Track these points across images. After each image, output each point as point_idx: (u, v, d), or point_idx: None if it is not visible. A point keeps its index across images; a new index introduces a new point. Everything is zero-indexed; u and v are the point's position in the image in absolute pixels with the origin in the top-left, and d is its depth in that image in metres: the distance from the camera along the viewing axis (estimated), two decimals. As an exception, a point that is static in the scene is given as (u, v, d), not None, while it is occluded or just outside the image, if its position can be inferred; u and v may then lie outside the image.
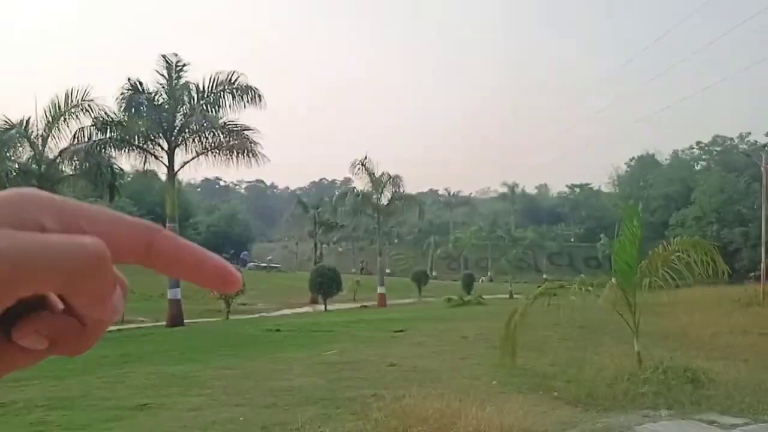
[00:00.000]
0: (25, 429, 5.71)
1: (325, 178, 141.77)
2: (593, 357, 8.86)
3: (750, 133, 76.26)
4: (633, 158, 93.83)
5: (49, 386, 8.10)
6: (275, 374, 8.36)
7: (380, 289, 34.09)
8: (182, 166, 22.84)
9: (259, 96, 22.16)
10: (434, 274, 70.20)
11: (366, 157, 33.42)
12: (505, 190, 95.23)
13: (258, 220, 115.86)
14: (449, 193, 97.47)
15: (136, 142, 22.09)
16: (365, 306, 32.38)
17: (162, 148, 22.36)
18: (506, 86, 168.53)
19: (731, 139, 79.45)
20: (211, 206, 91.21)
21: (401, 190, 34.82)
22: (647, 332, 12.69)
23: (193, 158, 22.64)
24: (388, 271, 75.23)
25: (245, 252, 73.64)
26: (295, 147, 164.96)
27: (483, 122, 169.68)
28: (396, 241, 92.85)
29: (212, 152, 22.53)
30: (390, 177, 33.91)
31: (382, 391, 6.64)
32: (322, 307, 29.87)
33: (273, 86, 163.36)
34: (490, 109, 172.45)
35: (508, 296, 39.45)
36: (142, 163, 22.96)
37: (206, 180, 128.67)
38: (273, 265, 67.14)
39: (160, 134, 22.04)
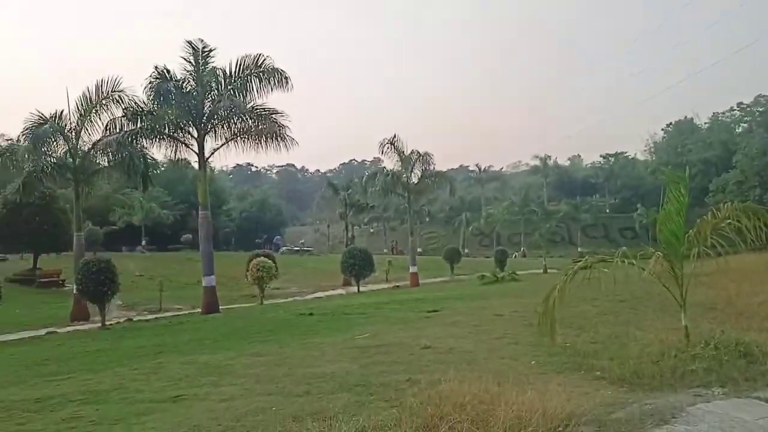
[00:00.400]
0: (58, 425, 5.69)
1: (354, 159, 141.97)
2: (636, 332, 8.49)
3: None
4: (670, 123, 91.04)
5: (83, 380, 8.16)
6: (308, 360, 8.24)
7: (412, 269, 33.92)
8: (212, 153, 22.96)
9: (286, 78, 22.05)
10: (466, 251, 69.79)
11: (395, 136, 33.14)
12: (536, 163, 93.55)
13: (290, 204, 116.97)
14: (480, 169, 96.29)
15: (167, 131, 22.24)
16: (398, 286, 32.28)
17: (192, 136, 22.50)
18: (536, 55, 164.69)
19: (776, 98, 76.15)
20: (243, 192, 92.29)
21: (431, 168, 34.41)
22: (693, 303, 12.16)
23: (222, 145, 22.74)
24: (419, 250, 75.01)
25: (278, 237, 74.37)
26: (325, 129, 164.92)
27: (513, 95, 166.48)
28: (427, 219, 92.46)
29: (241, 138, 22.57)
30: (419, 155, 33.55)
31: (417, 376, 6.44)
32: (354, 288, 29.86)
33: (300, 68, 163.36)
34: (520, 81, 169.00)
35: (542, 271, 38.86)
36: (173, 152, 23.14)
37: (238, 166, 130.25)
38: (305, 248, 67.63)
39: (190, 122, 22.14)
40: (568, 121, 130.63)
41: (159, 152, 24.08)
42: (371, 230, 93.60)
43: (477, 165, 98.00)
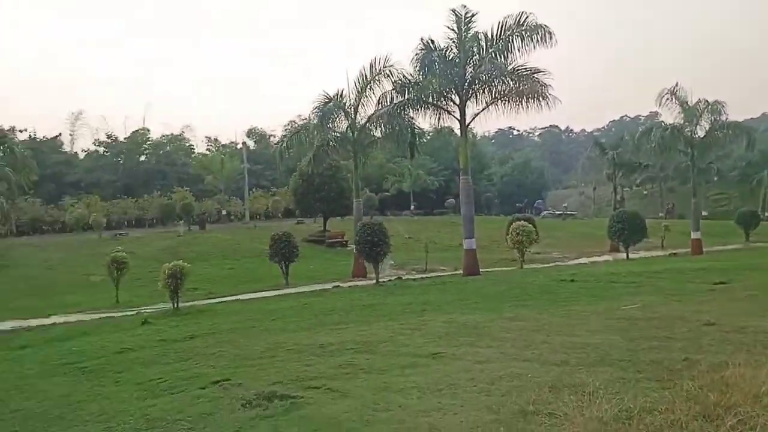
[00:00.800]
0: (334, 369, 6.39)
1: (626, 116, 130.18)
2: None
3: None
4: None
5: (359, 331, 9.06)
6: (568, 328, 7.83)
7: (694, 234, 29.83)
8: (473, 119, 23.31)
9: (549, 33, 21.11)
10: (767, 215, 58.89)
11: (676, 85, 29.10)
12: None
13: (553, 167, 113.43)
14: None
15: (431, 100, 23.22)
16: (675, 254, 28.84)
17: (454, 103, 23.10)
18: None
19: None
20: (504, 156, 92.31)
21: (723, 119, 29.48)
22: None
23: (483, 109, 22.88)
24: (704, 213, 65.96)
25: (539, 201, 72.76)
26: (591, 85, 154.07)
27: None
28: (716, 178, 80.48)
29: (501, 100, 22.38)
30: (708, 104, 28.98)
31: (696, 356, 5.59)
32: (623, 255, 27.55)
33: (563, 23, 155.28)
34: None
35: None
36: (437, 119, 24.13)
37: (500, 131, 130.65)
38: (568, 212, 64.85)
39: (452, 89, 22.76)
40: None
41: (424, 121, 25.31)
42: (644, 192, 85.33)
43: None
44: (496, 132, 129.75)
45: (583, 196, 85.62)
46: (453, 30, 22.59)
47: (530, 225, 25.05)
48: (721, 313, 7.95)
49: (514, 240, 23.92)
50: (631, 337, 6.85)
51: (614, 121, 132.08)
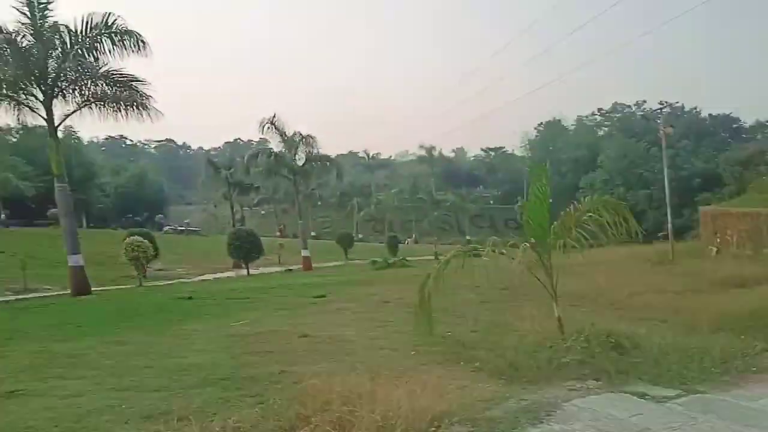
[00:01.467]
0: None
1: (240, 139, 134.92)
2: (515, 322, 8.58)
3: (645, 101, 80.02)
4: (541, 123, 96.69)
5: None
6: (175, 349, 7.54)
7: (304, 252, 33.27)
8: (63, 120, 20.72)
9: (143, 42, 20.09)
10: (360, 236, 70.04)
11: (275, 116, 31.93)
12: (423, 153, 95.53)
13: (172, 182, 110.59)
14: (368, 156, 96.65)
15: (3, 91, 19.68)
16: (290, 270, 31.54)
17: (37, 99, 20.10)
18: (420, 50, 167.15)
19: (629, 106, 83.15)
20: (116, 166, 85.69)
21: (315, 151, 33.79)
22: (566, 294, 12.71)
23: (75, 111, 20.48)
24: (313, 233, 74.12)
25: (160, 215, 70.31)
26: (210, 106, 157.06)
27: (398, 85, 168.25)
28: (319, 203, 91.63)
29: (97, 104, 20.51)
30: (302, 137, 32.76)
31: (291, 368, 6.02)
32: (245, 271, 28.74)
33: (186, 42, 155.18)
34: (405, 72, 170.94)
35: (433, 257, 39.74)
36: (16, 115, 20.64)
37: (110, 138, 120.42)
38: (191, 228, 64.46)
39: (33, 83, 19.73)
40: (451, 116, 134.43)
41: (6, 116, 21.31)
42: (262, 212, 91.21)
43: (365, 151, 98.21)
44: (106, 139, 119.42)
45: (206, 213, 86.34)
46: (25, 14, 19.74)
47: (146, 241, 23.83)
48: (316, 325, 8.87)
49: (130, 256, 22.36)
50: (235, 354, 7.00)
51: (229, 142, 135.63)
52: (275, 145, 33.37)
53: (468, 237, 71.45)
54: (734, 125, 74.48)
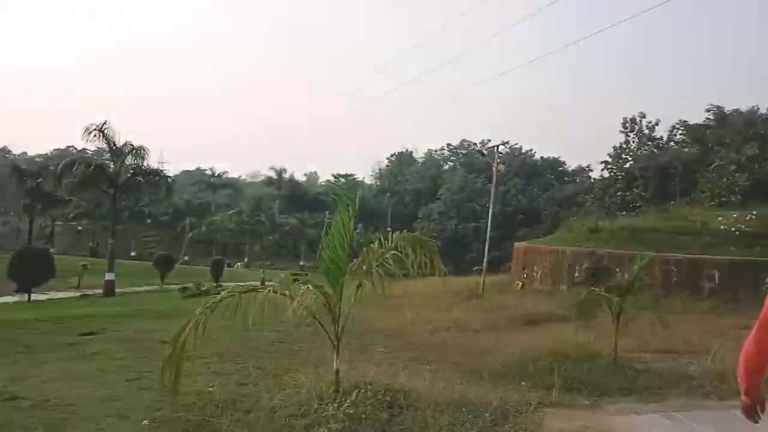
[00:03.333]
0: None
1: (73, 147, 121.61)
2: (298, 369, 7.54)
3: (490, 140, 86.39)
4: (394, 154, 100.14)
5: None
6: None
7: (108, 276, 29.59)
8: None
9: None
10: (186, 258, 65.66)
11: (105, 123, 28.38)
12: (272, 174, 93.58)
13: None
14: (213, 173, 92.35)
15: None
16: (87, 295, 27.81)
17: None
18: (278, 71, 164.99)
19: (475, 143, 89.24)
20: None
21: (145, 163, 30.66)
22: (369, 330, 12.10)
23: None
24: (133, 254, 67.98)
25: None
26: (43, 111, 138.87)
27: (254, 104, 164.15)
28: (149, 221, 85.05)
29: None
30: (132, 148, 29.50)
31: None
32: (27, 297, 24.59)
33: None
34: (264, 91, 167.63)
35: (259, 283, 37.85)
36: None
37: None
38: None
39: None
40: (309, 139, 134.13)
41: None
42: (79, 228, 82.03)
43: (211, 169, 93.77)
44: None
45: (9, 227, 75.53)
46: None
47: None
48: (42, 380, 7.03)
49: None
50: None
51: (60, 149, 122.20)
52: (99, 155, 29.60)
53: (302, 262, 70.32)
54: (559, 168, 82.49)
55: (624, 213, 35.13)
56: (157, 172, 32.26)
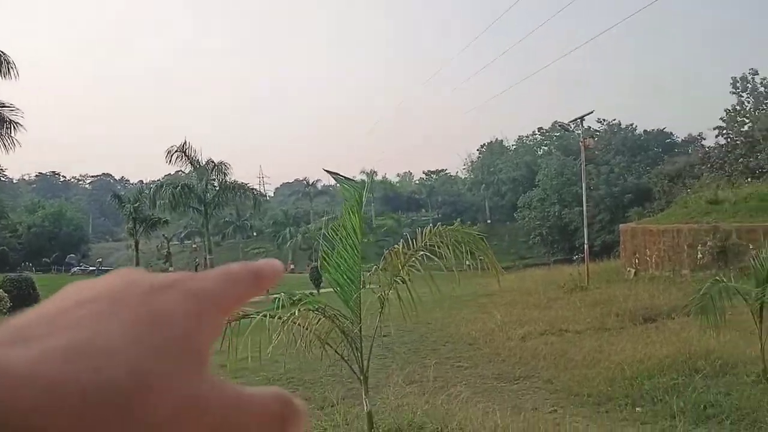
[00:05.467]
0: None
1: (181, 171, 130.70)
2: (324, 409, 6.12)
3: (584, 119, 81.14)
4: (483, 144, 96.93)
5: None
6: None
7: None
8: None
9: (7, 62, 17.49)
10: (292, 267, 67.01)
11: (186, 143, 28.90)
12: (363, 177, 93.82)
13: (104, 218, 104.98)
14: (308, 183, 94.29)
15: None
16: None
17: None
18: (362, 76, 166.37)
19: (568, 124, 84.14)
20: (34, 204, 79.59)
21: (229, 178, 30.96)
22: (453, 337, 10.54)
23: None
24: (239, 267, 70.16)
25: (72, 255, 65.28)
26: (147, 138, 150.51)
27: (339, 114, 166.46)
28: (255, 234, 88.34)
29: None
30: (215, 164, 29.85)
31: None
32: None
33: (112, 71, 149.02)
34: (346, 99, 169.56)
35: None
36: None
37: (41, 175, 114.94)
38: (104, 267, 59.74)
39: None
40: (399, 138, 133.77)
41: None
42: (194, 246, 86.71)
43: (305, 179, 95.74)
44: (36, 176, 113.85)
45: (132, 249, 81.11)
46: None
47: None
48: None
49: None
50: None
51: (170, 174, 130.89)
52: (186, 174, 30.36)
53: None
54: (667, 140, 75.90)
55: (749, 180, 30.65)
56: (243, 186, 32.48)
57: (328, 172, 5.01)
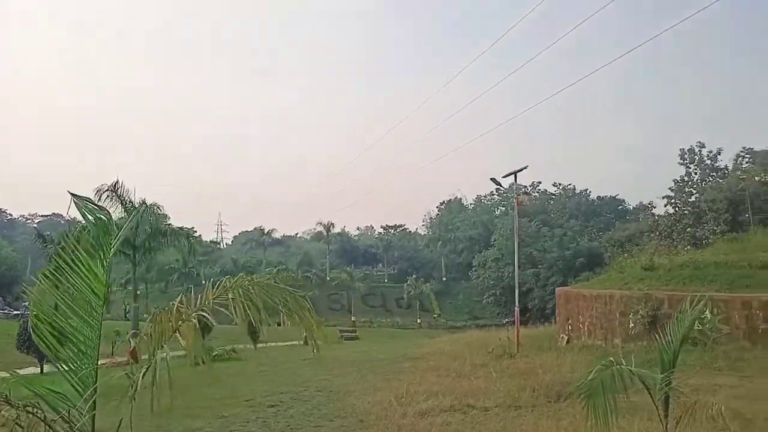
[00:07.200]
0: None
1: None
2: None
3: (540, 182, 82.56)
4: (443, 202, 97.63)
5: None
6: None
7: (133, 343, 27.80)
8: None
9: None
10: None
11: (117, 183, 27.20)
12: (320, 229, 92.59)
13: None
14: (263, 232, 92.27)
15: None
16: (104, 364, 25.89)
17: None
18: (326, 132, 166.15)
19: (525, 186, 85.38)
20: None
21: (165, 222, 29.36)
22: (343, 411, 9.25)
23: None
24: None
25: (0, 297, 61.55)
26: (103, 178, 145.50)
27: (310, 162, 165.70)
28: (203, 282, 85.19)
29: None
30: (146, 206, 28.20)
31: None
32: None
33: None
34: (307, 150, 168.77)
35: (302, 342, 35.15)
36: None
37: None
38: (16, 311, 56.11)
39: None
40: (355, 191, 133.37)
41: None
42: (138, 292, 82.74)
43: (260, 228, 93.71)
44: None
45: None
46: None
47: None
48: None
49: None
50: None
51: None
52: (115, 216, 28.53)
53: (353, 317, 67.55)
54: (619, 206, 77.79)
55: (688, 249, 30.75)
56: (178, 231, 30.78)
57: (72, 194, 3.84)
